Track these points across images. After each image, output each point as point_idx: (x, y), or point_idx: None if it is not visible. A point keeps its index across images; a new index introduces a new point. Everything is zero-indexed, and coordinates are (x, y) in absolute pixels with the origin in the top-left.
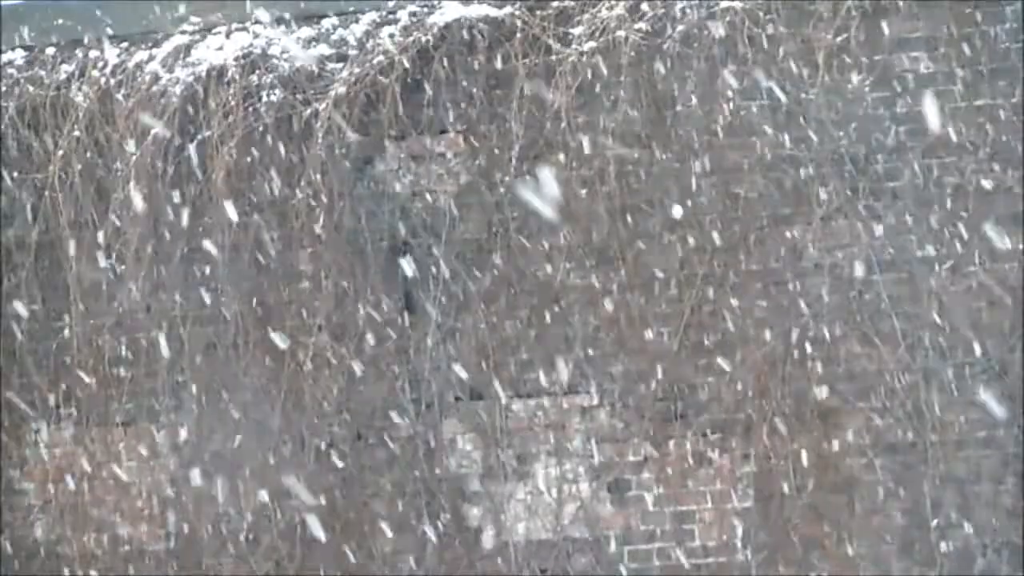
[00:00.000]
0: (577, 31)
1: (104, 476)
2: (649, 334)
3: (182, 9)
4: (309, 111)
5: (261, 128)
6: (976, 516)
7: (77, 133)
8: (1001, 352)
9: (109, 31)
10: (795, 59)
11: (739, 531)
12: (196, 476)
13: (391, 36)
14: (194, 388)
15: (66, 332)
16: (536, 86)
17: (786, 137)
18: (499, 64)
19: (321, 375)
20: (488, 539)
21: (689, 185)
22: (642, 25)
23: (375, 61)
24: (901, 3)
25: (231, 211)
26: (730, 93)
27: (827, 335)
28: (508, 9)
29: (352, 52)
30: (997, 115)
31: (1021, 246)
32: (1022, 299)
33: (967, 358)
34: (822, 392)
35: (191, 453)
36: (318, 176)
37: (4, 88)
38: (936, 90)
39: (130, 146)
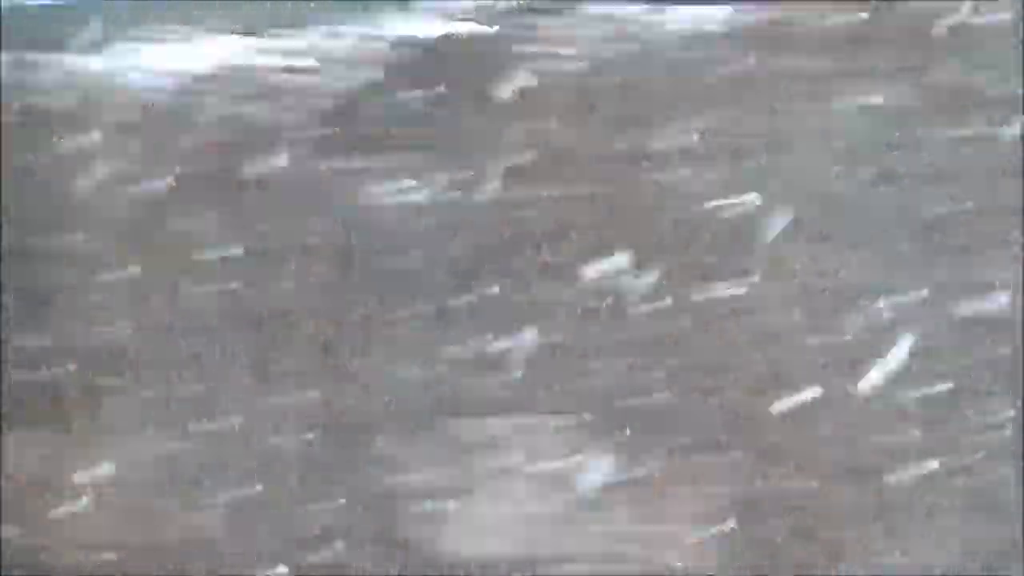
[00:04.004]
0: (561, 50)
1: (75, 483)
2: (622, 353)
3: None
4: (287, 124)
5: (238, 140)
6: (944, 543)
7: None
8: (981, 381)
9: (84, 36)
10: (775, 85)
11: (716, 553)
12: (163, 482)
13: (374, 50)
14: (158, 395)
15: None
16: (518, 103)
17: (764, 164)
18: (482, 81)
19: (286, 386)
20: (452, 558)
21: (669, 206)
22: (627, 46)
23: (349, 75)
24: (884, 31)
25: (205, 223)
26: (711, 116)
27: (805, 358)
28: (493, 26)
29: (325, 65)
30: (975, 144)
31: (1005, 276)
32: (1005, 327)
33: (936, 385)
34: (798, 414)
35: (157, 459)
36: (294, 189)
37: None
38: (896, 118)
39: (100, 153)
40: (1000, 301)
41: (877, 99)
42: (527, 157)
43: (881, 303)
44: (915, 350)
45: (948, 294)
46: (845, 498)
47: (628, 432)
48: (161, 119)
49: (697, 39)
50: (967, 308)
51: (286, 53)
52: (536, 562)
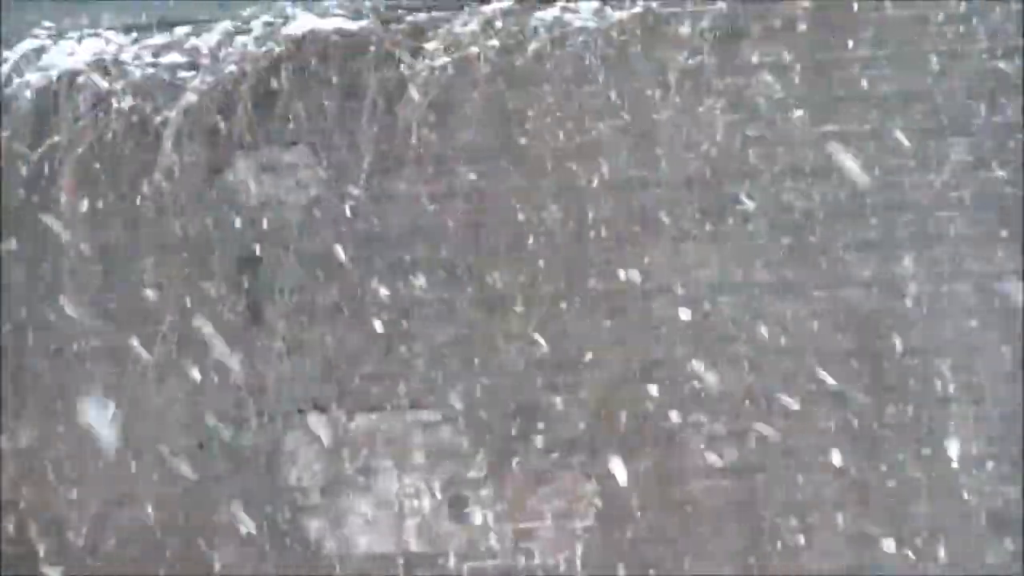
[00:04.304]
0: (430, 46)
1: None
2: (495, 351)
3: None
4: (160, 119)
5: (111, 134)
6: (816, 542)
7: None
8: (845, 378)
9: None
10: (647, 80)
11: (579, 550)
12: (36, 482)
13: (244, 46)
14: (36, 393)
15: None
16: (388, 100)
17: (636, 158)
18: (352, 77)
19: (165, 384)
20: (328, 552)
21: (539, 203)
22: (495, 42)
23: (227, 70)
24: (756, 27)
25: (79, 217)
26: (581, 112)
27: (673, 357)
28: (362, 22)
29: (205, 61)
30: (848, 140)
31: (867, 272)
32: (867, 324)
33: (811, 384)
34: (666, 413)
35: (31, 458)
36: (167, 184)
37: None
38: (789, 115)
39: None
40: None
41: (747, 91)
42: (391, 154)
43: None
44: None
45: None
46: None
47: None
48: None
49: (565, 33)
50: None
51: (156, 49)
52: None
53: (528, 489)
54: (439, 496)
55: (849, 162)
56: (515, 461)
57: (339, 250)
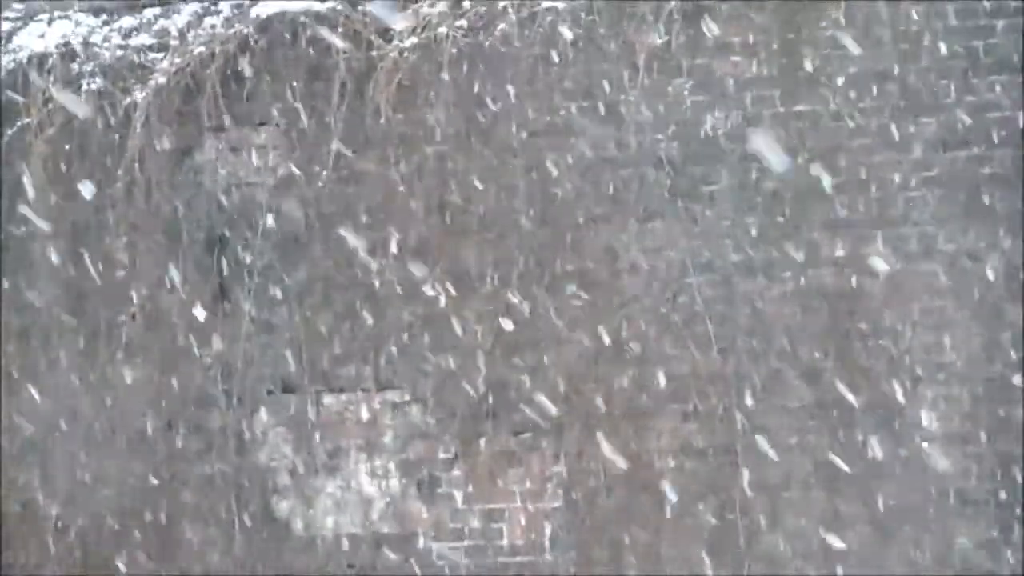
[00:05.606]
0: (399, 27)
1: None
2: (463, 332)
3: None
4: (128, 100)
5: (81, 116)
6: (785, 521)
7: None
8: (813, 358)
9: None
10: (616, 60)
11: (548, 531)
12: (5, 460)
13: (213, 27)
14: (4, 373)
15: None
16: (356, 81)
17: (605, 138)
18: (320, 58)
19: (134, 363)
20: (297, 532)
21: (507, 184)
22: (463, 22)
23: (196, 52)
24: (724, 6)
25: (48, 197)
26: (550, 93)
27: (641, 337)
28: (330, 3)
29: (173, 42)
30: (816, 121)
31: (839, 252)
32: (836, 304)
33: (779, 363)
34: (635, 393)
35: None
36: (136, 165)
37: None
38: (756, 95)
39: None
40: None
41: (715, 70)
42: (359, 134)
43: None
44: None
45: None
46: None
47: None
48: None
49: (533, 13)
50: None
51: (125, 30)
52: None
53: (497, 469)
54: (408, 477)
55: (817, 142)
56: (483, 441)
57: (307, 231)
